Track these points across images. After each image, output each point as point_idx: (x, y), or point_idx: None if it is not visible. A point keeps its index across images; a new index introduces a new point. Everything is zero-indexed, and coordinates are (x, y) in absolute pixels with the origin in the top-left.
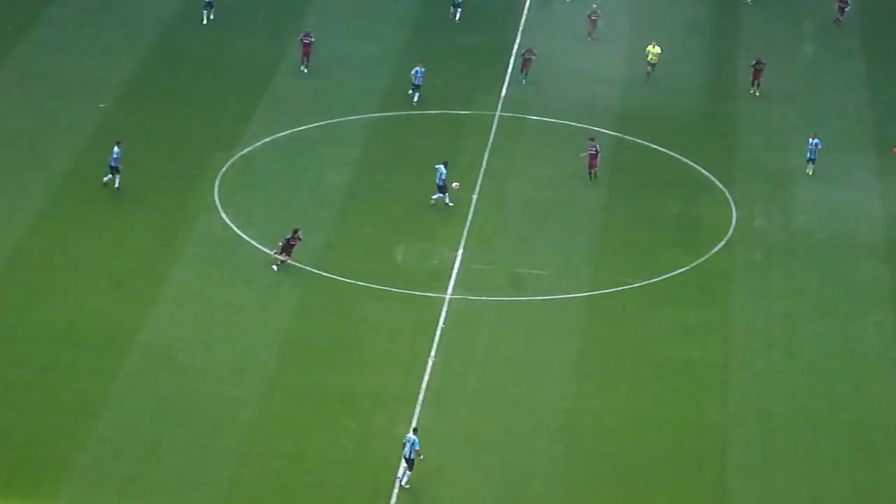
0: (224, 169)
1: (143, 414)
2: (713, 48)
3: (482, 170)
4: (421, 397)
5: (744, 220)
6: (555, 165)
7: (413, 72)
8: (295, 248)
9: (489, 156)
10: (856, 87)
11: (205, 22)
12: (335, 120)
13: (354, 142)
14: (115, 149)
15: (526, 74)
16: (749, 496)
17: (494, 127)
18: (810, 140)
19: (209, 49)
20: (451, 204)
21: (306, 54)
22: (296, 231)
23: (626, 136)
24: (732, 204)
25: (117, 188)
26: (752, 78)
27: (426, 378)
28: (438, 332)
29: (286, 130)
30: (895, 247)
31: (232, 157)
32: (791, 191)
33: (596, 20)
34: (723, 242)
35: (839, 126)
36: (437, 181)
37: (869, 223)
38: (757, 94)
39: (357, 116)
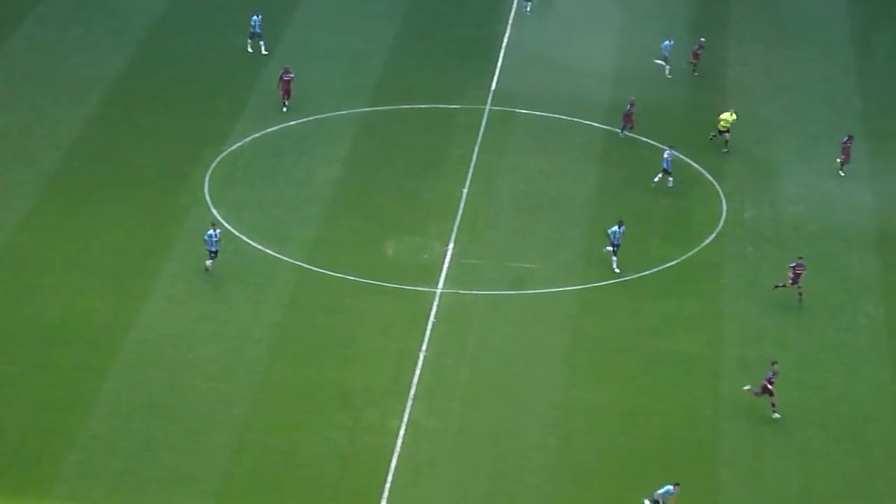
0: (214, 165)
1: (134, 410)
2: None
3: (472, 164)
4: (412, 392)
5: (734, 212)
6: (545, 159)
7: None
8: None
9: (479, 150)
10: (845, 79)
11: (250, 50)
12: (324, 115)
13: (344, 137)
14: (211, 231)
15: (631, 128)
16: (741, 489)
17: (484, 121)
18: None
19: (197, 45)
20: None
21: (287, 92)
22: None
23: (615, 129)
24: (723, 196)
25: (207, 268)
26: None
27: (418, 372)
28: (430, 327)
29: (275, 126)
30: (885, 238)
31: (222, 153)
32: (781, 183)
33: (700, 54)
34: (713, 235)
35: (829, 118)
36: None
37: (859, 215)
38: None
39: (346, 111)
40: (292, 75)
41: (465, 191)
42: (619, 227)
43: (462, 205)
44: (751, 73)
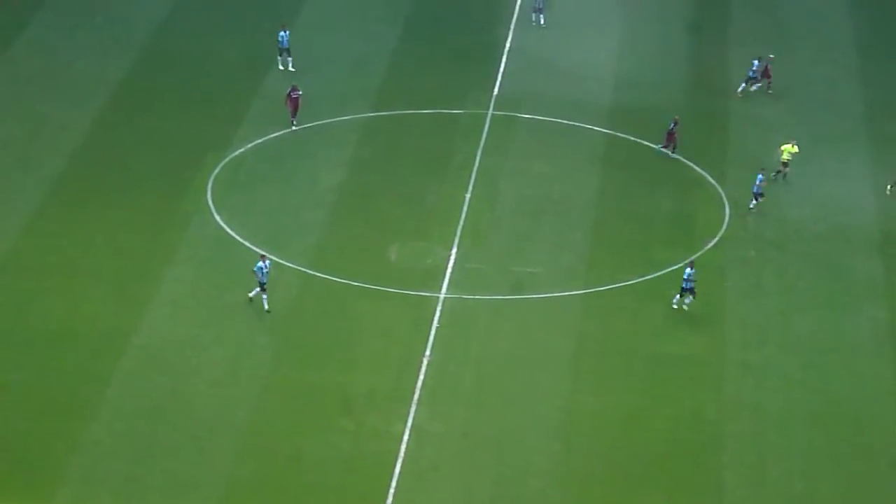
0: (217, 170)
1: (138, 416)
2: (704, 43)
3: (475, 168)
4: (416, 396)
5: (737, 216)
6: (548, 163)
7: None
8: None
9: (482, 154)
10: (848, 82)
11: (281, 67)
12: (327, 120)
13: (346, 142)
14: (261, 263)
15: (674, 148)
16: (745, 491)
17: (487, 125)
18: None
19: (200, 51)
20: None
21: (295, 109)
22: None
23: (617, 133)
24: (725, 200)
25: (250, 298)
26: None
27: (421, 377)
28: (433, 332)
29: (278, 131)
30: (889, 240)
31: (224, 158)
32: (784, 186)
33: (770, 70)
34: (716, 238)
35: (832, 121)
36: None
37: (862, 217)
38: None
39: (349, 116)
40: (300, 92)
41: (468, 195)
42: (692, 269)
43: (465, 209)
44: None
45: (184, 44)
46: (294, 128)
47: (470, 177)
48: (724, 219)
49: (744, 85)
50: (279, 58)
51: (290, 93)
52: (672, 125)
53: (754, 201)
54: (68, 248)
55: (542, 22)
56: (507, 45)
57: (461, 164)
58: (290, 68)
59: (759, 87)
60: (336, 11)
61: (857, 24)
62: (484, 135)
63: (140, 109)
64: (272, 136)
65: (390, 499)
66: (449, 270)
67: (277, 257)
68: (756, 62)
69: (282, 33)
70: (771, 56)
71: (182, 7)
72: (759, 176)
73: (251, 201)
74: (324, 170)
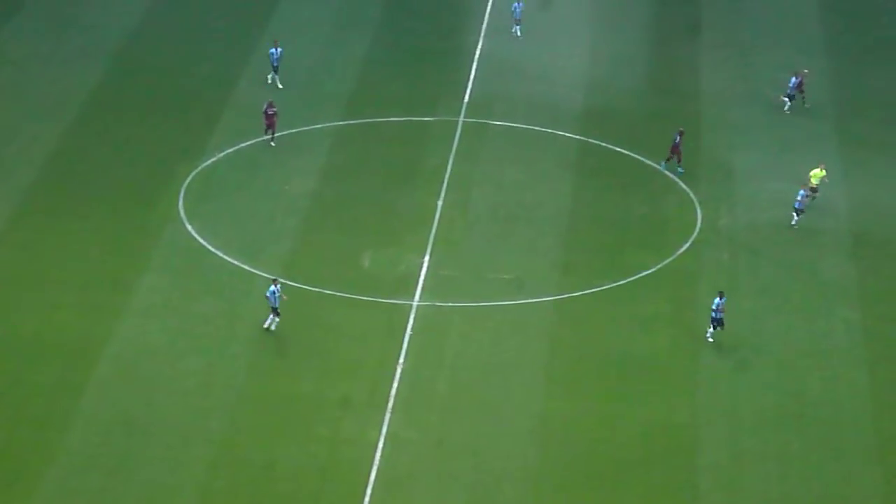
0: (189, 179)
1: (112, 426)
2: (675, 48)
3: (447, 175)
4: (391, 404)
5: (709, 219)
6: (519, 169)
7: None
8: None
9: (454, 161)
10: (819, 83)
11: (269, 83)
12: (299, 129)
13: (318, 150)
14: (273, 287)
15: (678, 161)
16: (720, 495)
17: (458, 132)
18: None
19: (171, 60)
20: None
21: (271, 125)
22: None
23: (589, 139)
24: (697, 204)
25: (267, 328)
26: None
27: (395, 384)
28: (407, 338)
29: (250, 140)
30: (860, 242)
31: (197, 167)
32: (755, 189)
33: (803, 84)
34: (689, 243)
35: (802, 123)
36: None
37: (834, 219)
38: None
39: (321, 125)
40: (276, 109)
41: (441, 202)
42: (721, 299)
43: (437, 216)
44: (724, 80)
45: (155, 53)
46: (272, 144)
47: (442, 184)
48: (696, 223)
49: (788, 102)
50: (269, 75)
51: (265, 109)
52: (677, 137)
53: (796, 217)
54: (40, 257)
55: (518, 34)
56: (478, 51)
57: (433, 172)
58: (278, 85)
59: (794, 102)
60: (306, 20)
61: (827, 27)
62: (455, 141)
63: (112, 119)
64: (244, 144)
65: None
66: (422, 277)
67: (250, 266)
68: (794, 78)
69: (273, 50)
70: (805, 70)
71: (153, 16)
72: (801, 192)
73: (223, 210)
74: (296, 178)
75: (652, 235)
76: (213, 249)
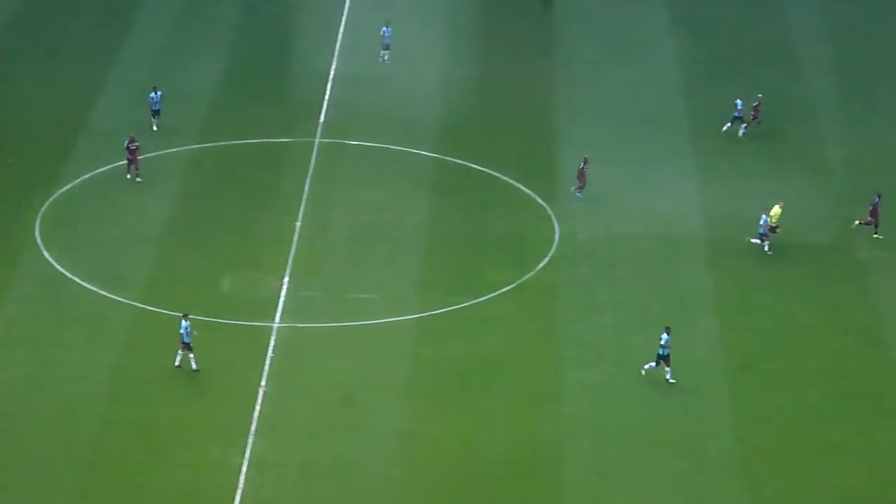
0: (44, 207)
1: None
2: (531, 64)
3: (304, 197)
4: (254, 427)
5: (566, 235)
6: (377, 189)
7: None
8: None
9: (311, 182)
10: (673, 98)
11: (155, 129)
12: (154, 153)
13: (174, 174)
14: (184, 322)
15: (581, 187)
16: None
17: (315, 153)
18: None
19: (25, 86)
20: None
21: (133, 161)
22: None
23: (446, 157)
24: (554, 219)
25: (178, 366)
26: (753, 116)
27: (258, 407)
28: (268, 361)
29: (106, 166)
30: (716, 253)
31: (53, 194)
32: (612, 204)
33: (760, 108)
34: (547, 258)
35: (658, 137)
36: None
37: (690, 231)
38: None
39: (176, 149)
40: (138, 143)
41: (299, 224)
42: (667, 335)
43: (296, 238)
44: (580, 95)
45: (5, 79)
46: (139, 180)
47: (300, 205)
48: (554, 238)
49: (728, 125)
50: (153, 119)
51: (127, 145)
52: (582, 164)
53: (765, 242)
54: None
55: (386, 59)
56: (332, 72)
57: (290, 193)
58: (154, 128)
59: (746, 126)
60: (158, 44)
61: (679, 40)
62: (312, 162)
63: None
64: (100, 170)
65: None
66: (282, 299)
67: (108, 292)
68: (739, 101)
69: (152, 94)
70: (759, 95)
71: (6, 41)
72: (764, 216)
73: (81, 237)
74: (153, 203)
75: (511, 252)
76: (71, 276)
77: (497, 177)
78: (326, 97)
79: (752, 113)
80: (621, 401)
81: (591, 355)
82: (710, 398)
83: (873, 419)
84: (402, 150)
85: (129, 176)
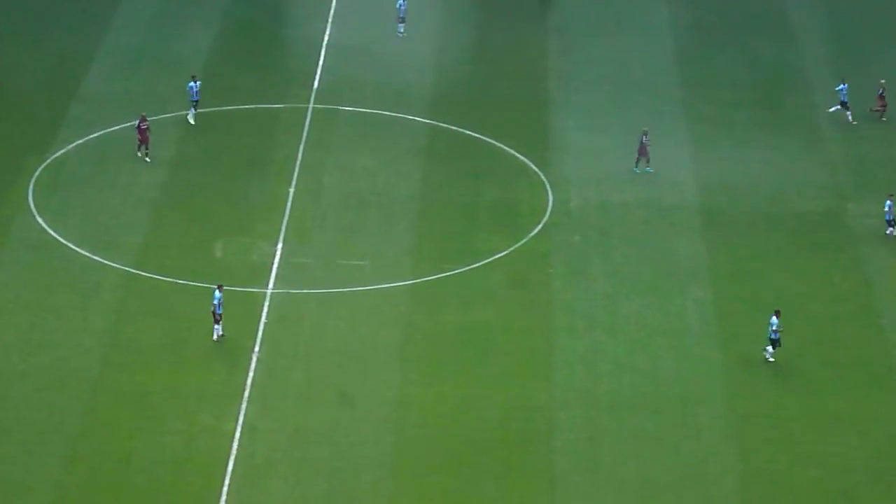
0: (38, 173)
1: None
2: (524, 32)
3: (298, 163)
4: (247, 393)
5: (560, 202)
6: (370, 156)
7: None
8: None
9: (304, 149)
10: (665, 65)
11: (191, 122)
12: (148, 119)
13: (168, 140)
14: (218, 293)
15: (647, 161)
16: (577, 477)
17: (308, 119)
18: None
19: (15, 55)
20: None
21: (144, 141)
22: None
23: (439, 123)
24: (548, 186)
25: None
26: (879, 106)
27: (251, 374)
28: (261, 327)
29: (99, 131)
30: (709, 221)
31: (45, 160)
32: (606, 171)
33: (885, 96)
34: (540, 225)
35: (651, 104)
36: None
37: (683, 199)
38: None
39: (170, 115)
40: (148, 123)
41: (292, 190)
42: (777, 318)
43: (289, 204)
44: (572, 63)
45: None
46: (148, 160)
47: (293, 172)
48: (547, 205)
49: (837, 107)
50: (191, 110)
51: (139, 124)
52: (643, 138)
53: (891, 229)
54: None
55: (402, 32)
56: (326, 38)
57: (283, 160)
58: (190, 121)
59: (842, 110)
60: (151, 11)
61: (672, 7)
62: (305, 129)
63: None
64: (93, 136)
65: (224, 497)
66: (275, 266)
67: (101, 258)
68: (844, 86)
69: (191, 84)
70: (882, 81)
71: None
72: (888, 202)
73: (74, 203)
74: (146, 169)
75: (503, 219)
76: (64, 242)
77: (490, 143)
78: (320, 63)
79: (881, 103)
80: (613, 368)
81: (583, 323)
82: (702, 365)
83: (865, 387)
84: (395, 116)
85: (139, 154)
